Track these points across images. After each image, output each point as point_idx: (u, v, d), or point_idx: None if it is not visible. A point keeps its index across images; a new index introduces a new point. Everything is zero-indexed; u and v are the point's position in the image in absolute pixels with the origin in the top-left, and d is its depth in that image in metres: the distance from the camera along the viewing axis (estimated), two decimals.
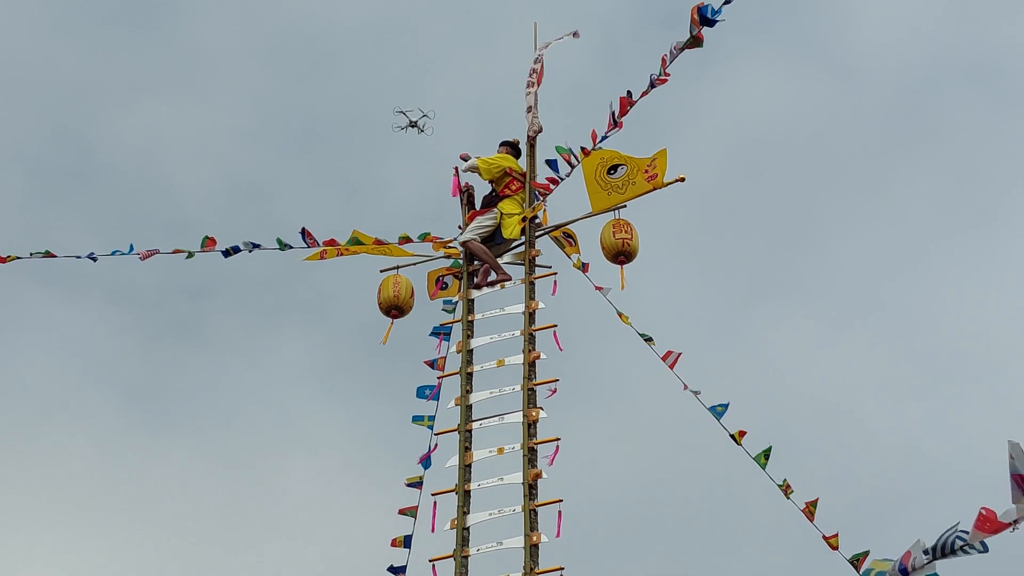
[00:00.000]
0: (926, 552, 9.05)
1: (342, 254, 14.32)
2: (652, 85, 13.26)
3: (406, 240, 14.26)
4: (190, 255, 14.55)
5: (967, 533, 8.63)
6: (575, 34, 14.81)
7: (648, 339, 13.15)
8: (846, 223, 28.09)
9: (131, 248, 14.58)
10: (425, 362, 13.46)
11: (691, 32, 12.98)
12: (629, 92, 13.39)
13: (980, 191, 28.44)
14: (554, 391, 12.39)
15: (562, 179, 13.87)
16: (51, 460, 24.40)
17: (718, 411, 12.64)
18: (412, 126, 16.05)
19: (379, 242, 14.26)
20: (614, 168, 13.60)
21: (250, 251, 14.56)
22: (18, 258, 14.61)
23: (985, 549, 8.69)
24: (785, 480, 12.35)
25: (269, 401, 25.49)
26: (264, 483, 23.80)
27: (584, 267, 13.62)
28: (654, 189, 13.47)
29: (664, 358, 13.06)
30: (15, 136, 29.56)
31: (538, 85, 14.26)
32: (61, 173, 29.26)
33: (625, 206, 13.55)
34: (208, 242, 14.50)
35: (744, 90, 29.83)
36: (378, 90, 29.69)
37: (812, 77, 30.75)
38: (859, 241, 27.51)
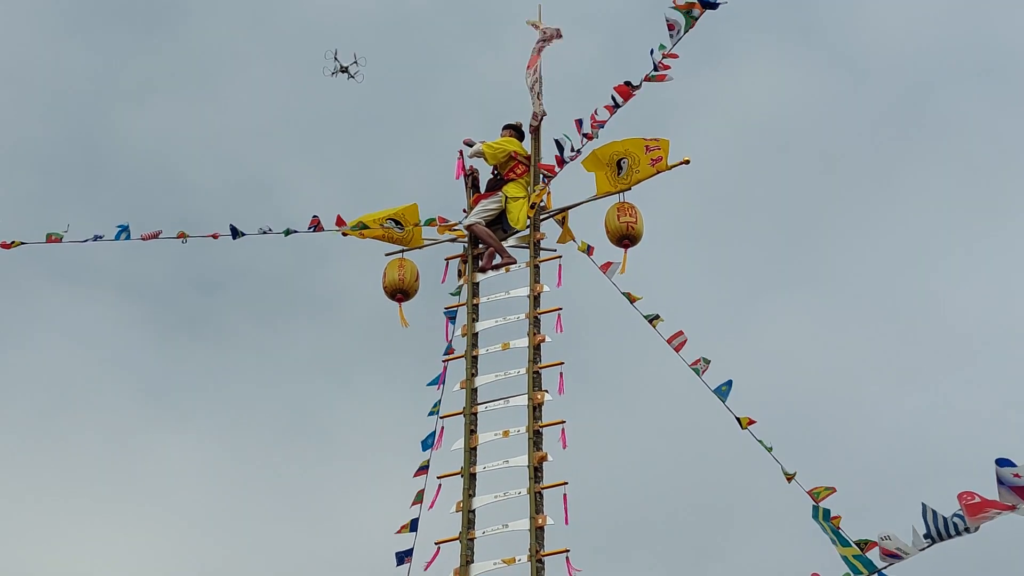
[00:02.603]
0: (926, 536, 9.11)
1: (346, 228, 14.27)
2: (655, 68, 13.25)
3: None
4: (185, 238, 14.50)
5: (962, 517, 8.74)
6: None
7: (653, 318, 13.13)
8: (853, 214, 28.19)
9: (126, 224, 14.56)
10: (446, 352, 13.42)
11: (694, 16, 13.00)
12: (628, 82, 13.38)
13: (986, 184, 28.53)
14: (560, 386, 12.39)
15: (567, 161, 13.86)
16: (65, 452, 24.56)
17: (722, 391, 12.64)
18: (343, 71, 16.09)
19: (386, 231, 14.26)
20: (619, 166, 13.56)
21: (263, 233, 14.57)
22: (23, 243, 14.62)
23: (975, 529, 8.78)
24: (795, 471, 12.38)
25: (279, 394, 25.60)
26: (275, 474, 23.88)
27: (589, 250, 13.61)
28: (659, 172, 13.45)
29: (670, 341, 13.06)
30: (28, 134, 29.85)
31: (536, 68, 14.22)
32: (73, 171, 29.50)
33: (629, 189, 13.54)
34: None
35: (752, 83, 29.91)
36: (386, 87, 29.83)
37: (820, 70, 30.83)
38: (866, 232, 27.62)
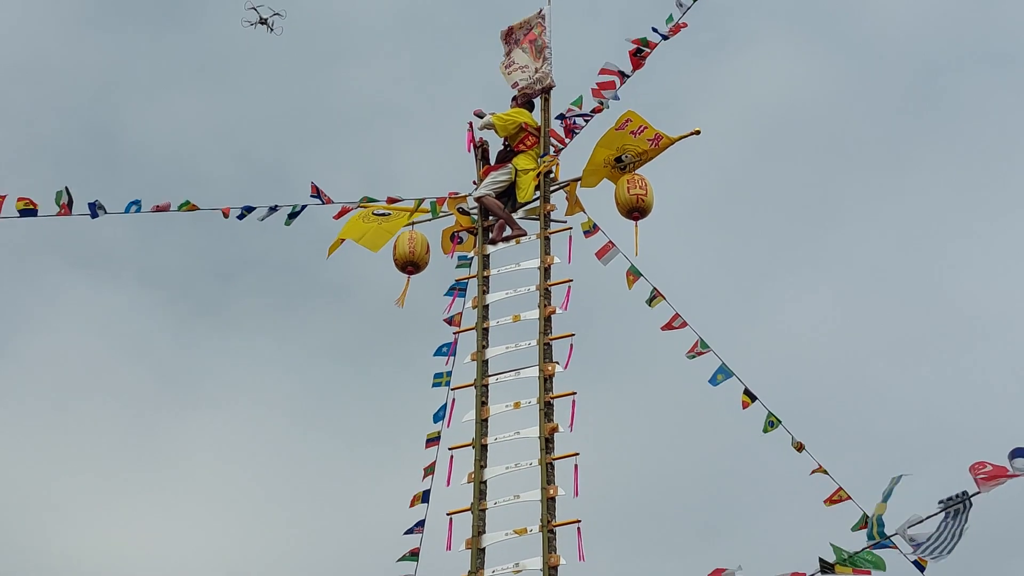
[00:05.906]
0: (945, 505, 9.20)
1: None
2: (664, 38, 13.26)
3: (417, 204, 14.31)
4: (190, 206, 14.59)
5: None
6: None
7: (652, 299, 13.17)
8: (863, 196, 28.26)
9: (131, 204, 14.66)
10: (444, 320, 13.46)
11: None
12: (642, 39, 13.37)
13: (995, 167, 28.59)
14: (569, 358, 12.38)
15: (576, 132, 13.84)
16: (83, 437, 24.70)
17: (725, 369, 12.73)
18: (262, 23, 16.23)
19: (391, 200, 14.30)
20: (619, 162, 13.51)
21: (268, 213, 14.64)
22: (34, 211, 14.59)
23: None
24: (800, 443, 12.42)
25: (296, 379, 25.73)
26: (291, 458, 23.99)
27: (594, 229, 13.59)
28: (669, 145, 13.41)
29: (672, 320, 13.11)
30: (46, 128, 29.98)
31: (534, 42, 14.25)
32: (89, 164, 29.63)
33: (638, 161, 13.53)
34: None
35: (762, 67, 29.94)
36: (396, 79, 29.95)
37: (830, 55, 30.84)
38: (875, 214, 27.71)
